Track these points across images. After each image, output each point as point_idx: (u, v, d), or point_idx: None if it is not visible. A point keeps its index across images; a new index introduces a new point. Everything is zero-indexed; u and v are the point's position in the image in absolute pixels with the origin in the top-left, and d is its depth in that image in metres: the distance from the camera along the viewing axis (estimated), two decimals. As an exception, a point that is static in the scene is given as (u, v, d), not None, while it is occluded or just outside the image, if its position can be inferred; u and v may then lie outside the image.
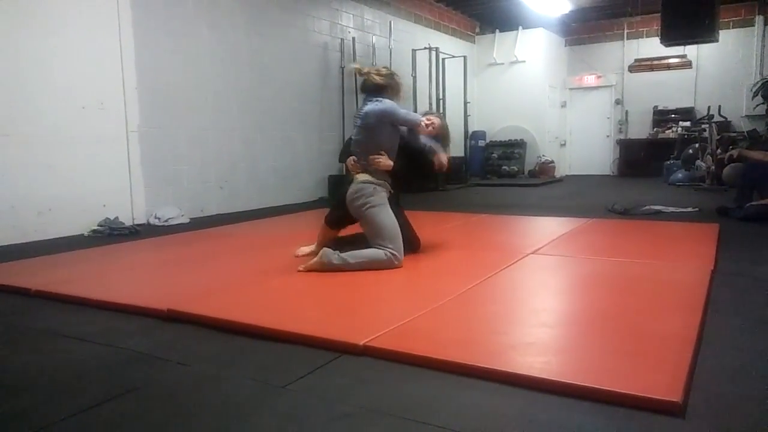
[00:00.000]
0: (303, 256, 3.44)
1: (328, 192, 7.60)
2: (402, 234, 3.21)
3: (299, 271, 3.09)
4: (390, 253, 3.10)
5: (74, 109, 4.87)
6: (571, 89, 12.67)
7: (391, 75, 3.40)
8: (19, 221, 4.50)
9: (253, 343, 2.10)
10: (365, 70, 3.39)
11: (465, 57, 10.25)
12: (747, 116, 10.73)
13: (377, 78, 3.33)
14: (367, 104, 3.33)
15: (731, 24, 10.75)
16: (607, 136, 12.40)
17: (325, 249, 3.13)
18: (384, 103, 3.26)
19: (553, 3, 9.97)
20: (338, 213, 3.41)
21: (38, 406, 1.63)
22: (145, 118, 5.45)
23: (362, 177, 3.22)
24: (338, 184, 3.44)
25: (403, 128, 3.42)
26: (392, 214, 3.21)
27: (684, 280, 2.89)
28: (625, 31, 11.94)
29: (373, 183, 3.21)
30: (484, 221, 5.28)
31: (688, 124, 10.93)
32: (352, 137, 3.39)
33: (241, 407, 1.59)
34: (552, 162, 11.65)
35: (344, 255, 3.08)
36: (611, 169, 12.26)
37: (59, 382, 1.81)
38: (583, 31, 12.31)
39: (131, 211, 5.36)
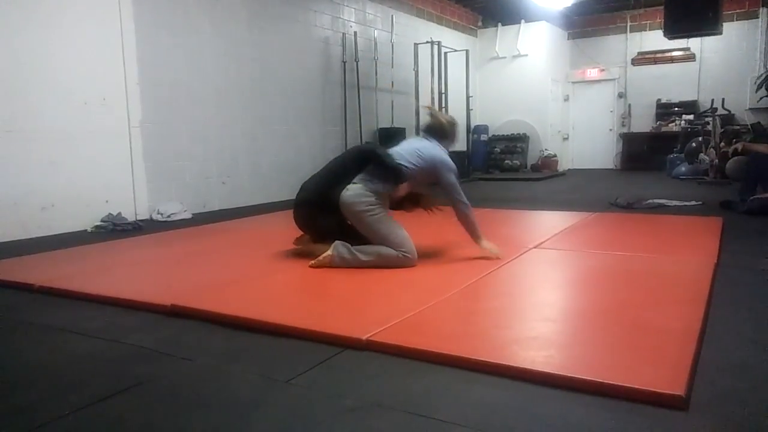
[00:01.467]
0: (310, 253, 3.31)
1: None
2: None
3: (311, 266, 3.04)
4: (402, 254, 3.07)
5: (76, 105, 4.87)
6: (573, 83, 12.63)
7: (454, 124, 3.44)
8: (22, 217, 4.51)
9: (257, 338, 2.10)
10: (435, 110, 3.46)
11: (467, 51, 10.22)
12: (751, 109, 10.68)
13: (446, 124, 3.35)
14: (431, 142, 3.29)
15: (735, 16, 10.69)
16: (610, 130, 12.36)
17: (336, 242, 3.07)
18: (450, 165, 3.24)
19: (555, -4, 9.91)
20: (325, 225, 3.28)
21: (42, 402, 1.63)
22: (147, 113, 5.45)
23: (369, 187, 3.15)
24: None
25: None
26: (396, 221, 3.19)
27: (687, 273, 2.88)
28: (628, 24, 11.88)
29: (379, 195, 3.17)
30: (486, 215, 5.26)
31: (691, 117, 10.89)
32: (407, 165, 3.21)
33: (244, 402, 1.59)
34: (555, 156, 11.62)
35: (355, 250, 3.06)
36: (614, 163, 12.23)
37: (63, 377, 1.81)
38: (585, 24, 12.25)
39: (134, 206, 5.36)
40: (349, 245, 3.07)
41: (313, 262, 3.07)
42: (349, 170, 3.27)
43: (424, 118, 3.44)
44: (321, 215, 3.28)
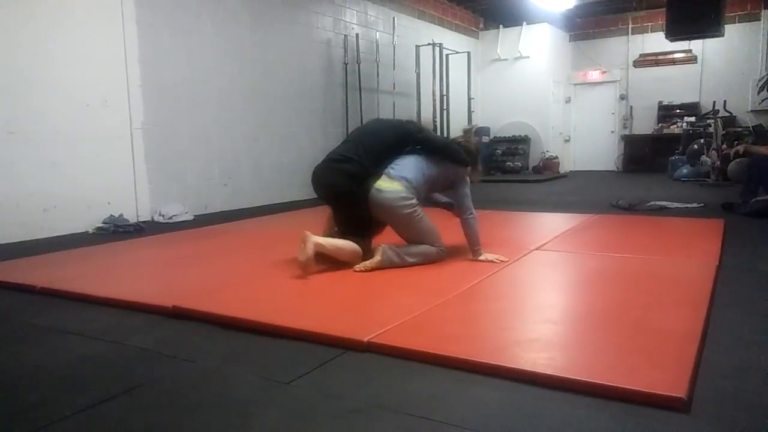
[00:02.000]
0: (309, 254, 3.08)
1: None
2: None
3: (356, 271, 3.02)
4: (440, 249, 3.24)
5: (79, 107, 4.88)
6: (575, 85, 12.62)
7: (480, 152, 3.69)
8: (25, 219, 4.52)
9: (258, 339, 2.10)
10: (471, 134, 3.70)
11: (469, 53, 10.22)
12: (753, 111, 10.67)
13: (474, 150, 3.52)
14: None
15: (737, 18, 10.68)
16: (612, 132, 12.35)
17: (383, 247, 3.10)
18: (467, 180, 3.42)
19: (557, -2, 9.91)
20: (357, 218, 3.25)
21: (43, 403, 1.64)
22: (149, 115, 5.46)
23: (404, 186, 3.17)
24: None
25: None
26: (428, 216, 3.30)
27: (689, 275, 2.88)
28: (630, 26, 11.88)
29: (418, 193, 3.23)
30: (488, 217, 5.26)
31: (693, 119, 10.88)
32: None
33: (245, 404, 1.59)
34: (556, 158, 11.61)
35: (402, 252, 3.14)
36: (616, 165, 12.22)
37: (64, 378, 1.82)
38: (587, 26, 12.25)
39: (136, 208, 5.37)
40: (396, 249, 3.14)
41: (359, 267, 3.05)
42: (393, 152, 3.31)
43: (460, 135, 3.72)
44: (362, 202, 3.19)
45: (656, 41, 11.11)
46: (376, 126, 3.55)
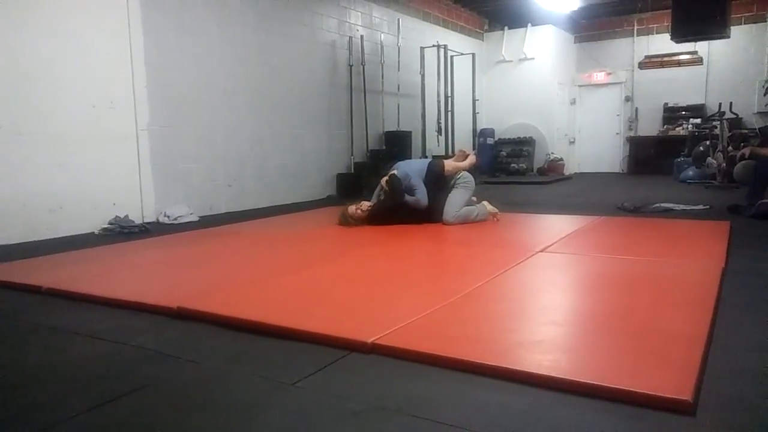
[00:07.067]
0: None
1: (338, 190, 7.63)
2: None
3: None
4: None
5: (85, 108, 4.90)
6: (580, 86, 12.60)
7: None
8: (31, 219, 4.54)
9: (262, 340, 2.10)
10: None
11: (473, 54, 10.22)
12: (759, 113, 10.63)
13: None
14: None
15: (743, 20, 10.65)
16: (617, 134, 12.33)
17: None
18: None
19: (562, -1, 9.91)
20: None
21: (49, 403, 1.64)
22: (154, 116, 5.48)
23: None
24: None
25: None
26: None
27: (694, 277, 2.87)
28: (635, 28, 11.86)
29: None
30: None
31: (698, 121, 10.85)
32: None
33: (250, 405, 1.59)
34: (561, 159, 11.60)
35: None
36: (621, 167, 12.19)
37: (69, 379, 1.82)
38: (592, 27, 12.24)
39: (141, 209, 5.39)
40: None
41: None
42: None
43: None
44: None
45: (661, 43, 11.09)
46: None
